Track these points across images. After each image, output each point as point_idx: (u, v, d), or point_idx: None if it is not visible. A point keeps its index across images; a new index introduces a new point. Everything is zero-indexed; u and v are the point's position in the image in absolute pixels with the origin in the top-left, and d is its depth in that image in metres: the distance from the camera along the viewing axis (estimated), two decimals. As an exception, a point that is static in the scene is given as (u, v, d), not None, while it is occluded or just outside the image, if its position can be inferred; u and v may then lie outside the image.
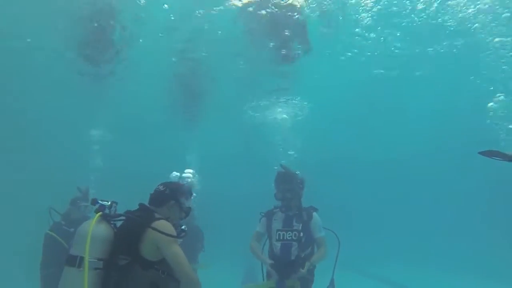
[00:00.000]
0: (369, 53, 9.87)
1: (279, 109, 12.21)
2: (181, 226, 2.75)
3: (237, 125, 13.66)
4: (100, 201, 2.61)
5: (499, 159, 1.63)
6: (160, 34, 8.54)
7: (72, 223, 4.65)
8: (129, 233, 2.51)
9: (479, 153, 1.70)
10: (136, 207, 2.75)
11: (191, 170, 7.49)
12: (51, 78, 10.01)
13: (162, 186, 2.82)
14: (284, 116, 12.69)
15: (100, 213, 2.55)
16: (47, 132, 13.05)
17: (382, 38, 9.20)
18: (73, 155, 13.76)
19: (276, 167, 4.34)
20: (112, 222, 2.58)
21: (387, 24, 8.77)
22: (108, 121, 12.44)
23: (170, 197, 2.77)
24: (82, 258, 2.38)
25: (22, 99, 11.27)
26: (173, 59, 9.44)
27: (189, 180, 7.16)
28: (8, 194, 13.53)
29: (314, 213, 4.19)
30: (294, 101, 11.54)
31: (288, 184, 4.15)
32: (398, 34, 9.12)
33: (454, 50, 9.61)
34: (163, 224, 2.54)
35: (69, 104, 11.33)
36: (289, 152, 11.74)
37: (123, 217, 2.62)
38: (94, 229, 2.46)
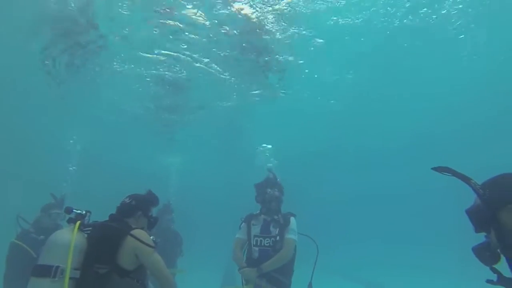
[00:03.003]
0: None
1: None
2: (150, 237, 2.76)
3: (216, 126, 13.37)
4: (74, 210, 2.61)
5: (449, 175, 1.74)
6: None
7: (42, 231, 4.45)
8: (106, 241, 2.52)
9: (432, 168, 1.79)
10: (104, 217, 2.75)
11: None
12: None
13: (128, 199, 2.87)
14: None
15: (79, 222, 2.54)
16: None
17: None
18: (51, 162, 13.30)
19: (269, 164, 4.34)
20: (85, 231, 2.57)
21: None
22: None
23: (137, 208, 2.83)
24: (58, 268, 2.31)
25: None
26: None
27: None
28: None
29: (292, 218, 4.16)
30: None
31: (268, 188, 4.20)
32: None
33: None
34: (141, 233, 2.62)
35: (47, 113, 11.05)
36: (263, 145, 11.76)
37: (97, 226, 2.61)
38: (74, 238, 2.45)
